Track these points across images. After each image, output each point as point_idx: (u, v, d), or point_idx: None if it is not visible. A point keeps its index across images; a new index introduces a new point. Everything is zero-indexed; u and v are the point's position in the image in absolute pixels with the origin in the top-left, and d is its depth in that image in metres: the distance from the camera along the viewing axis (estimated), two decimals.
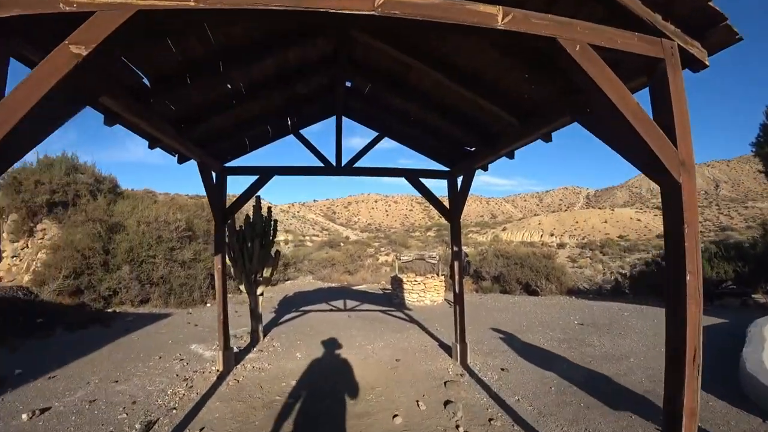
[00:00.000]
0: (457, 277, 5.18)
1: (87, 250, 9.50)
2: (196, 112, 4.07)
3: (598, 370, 4.79)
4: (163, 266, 10.16)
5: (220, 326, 4.85)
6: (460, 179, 5.31)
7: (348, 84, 4.78)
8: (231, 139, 4.98)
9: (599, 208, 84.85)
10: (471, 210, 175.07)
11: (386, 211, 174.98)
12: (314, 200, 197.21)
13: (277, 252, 6.55)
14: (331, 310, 9.77)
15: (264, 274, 6.22)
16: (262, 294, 6.25)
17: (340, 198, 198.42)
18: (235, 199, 5.11)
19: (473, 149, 4.99)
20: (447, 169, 5.63)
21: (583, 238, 66.91)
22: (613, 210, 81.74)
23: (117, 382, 4.51)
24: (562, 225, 76.35)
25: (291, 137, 5.50)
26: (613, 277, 15.27)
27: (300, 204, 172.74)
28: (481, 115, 4.27)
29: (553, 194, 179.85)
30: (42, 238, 10.17)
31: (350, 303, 10.75)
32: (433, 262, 12.06)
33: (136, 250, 10.06)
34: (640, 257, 40.88)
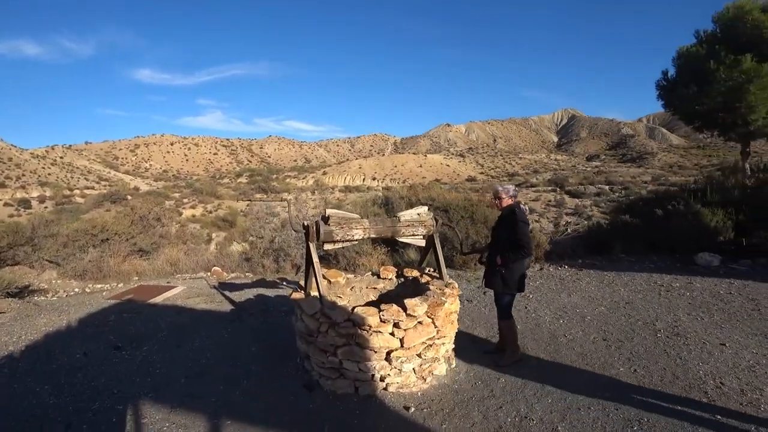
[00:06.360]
0: None
1: None
2: None
3: None
4: None
5: None
6: None
7: None
8: None
9: (413, 153, 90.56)
10: (284, 154, 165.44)
11: (186, 155, 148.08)
12: (87, 142, 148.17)
13: None
14: None
15: None
16: None
17: (124, 139, 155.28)
18: None
19: None
20: None
21: (404, 182, 69.81)
22: (426, 156, 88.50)
23: None
24: (383, 169, 78.03)
25: None
26: (565, 228, 12.41)
27: (65, 147, 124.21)
28: None
29: (364, 140, 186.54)
30: None
31: None
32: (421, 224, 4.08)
33: None
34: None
